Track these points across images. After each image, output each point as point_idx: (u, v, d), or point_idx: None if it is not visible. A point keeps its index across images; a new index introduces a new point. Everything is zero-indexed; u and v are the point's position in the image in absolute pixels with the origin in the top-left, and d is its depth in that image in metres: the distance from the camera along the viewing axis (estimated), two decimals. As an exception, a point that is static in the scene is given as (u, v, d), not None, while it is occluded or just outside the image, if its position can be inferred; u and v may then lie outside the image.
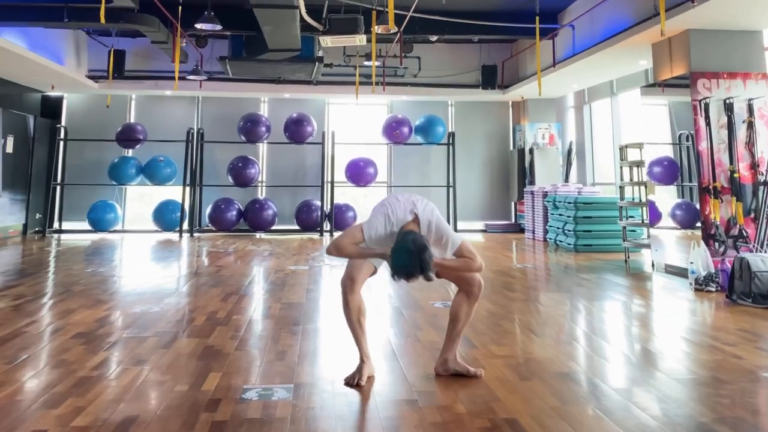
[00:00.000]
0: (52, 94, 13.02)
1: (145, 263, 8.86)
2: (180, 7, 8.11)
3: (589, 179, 12.70)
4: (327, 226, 12.83)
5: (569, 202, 9.84)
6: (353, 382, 3.32)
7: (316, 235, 12.57)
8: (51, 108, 13.25)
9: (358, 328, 3.43)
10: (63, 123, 13.22)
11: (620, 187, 8.78)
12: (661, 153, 8.45)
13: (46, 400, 3.04)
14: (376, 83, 12.33)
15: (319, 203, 12.88)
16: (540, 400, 3.08)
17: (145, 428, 2.72)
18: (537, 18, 8.75)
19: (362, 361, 3.43)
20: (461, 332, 3.55)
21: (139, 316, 4.99)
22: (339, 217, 12.79)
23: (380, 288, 6.31)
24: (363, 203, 13.56)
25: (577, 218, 9.63)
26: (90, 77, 12.05)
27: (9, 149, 11.64)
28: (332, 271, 7.59)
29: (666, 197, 8.48)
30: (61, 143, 12.95)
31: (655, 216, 7.99)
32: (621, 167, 8.81)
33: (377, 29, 7.99)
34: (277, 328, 4.61)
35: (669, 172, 8.63)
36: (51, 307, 5.34)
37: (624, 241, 8.58)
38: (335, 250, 3.33)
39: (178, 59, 8.87)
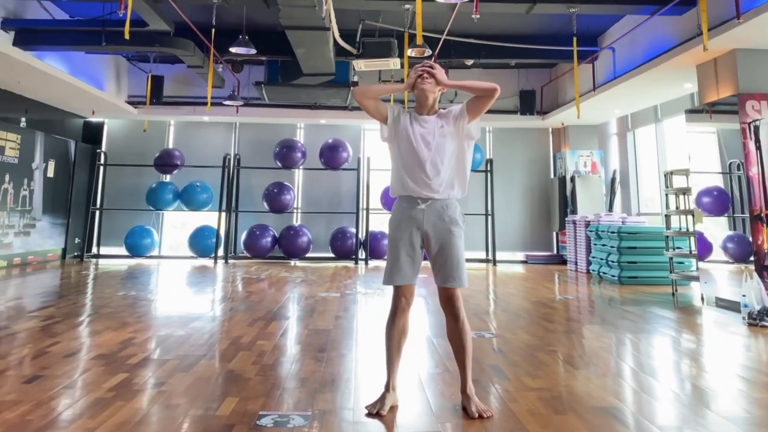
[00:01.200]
0: (93, 119, 13.28)
1: (176, 288, 8.80)
2: (213, 30, 8.17)
3: (634, 209, 12.27)
4: (362, 254, 12.66)
5: (612, 232, 9.47)
6: (374, 411, 3.12)
7: (350, 264, 12.40)
8: (92, 133, 13.51)
9: (395, 350, 3.28)
10: (103, 148, 13.45)
11: (666, 215, 8.39)
12: (710, 182, 8.08)
13: (56, 421, 2.90)
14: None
15: (354, 230, 12.75)
16: (578, 438, 2.80)
17: (150, 456, 2.54)
18: (575, 39, 8.53)
19: (387, 390, 3.23)
20: (465, 362, 3.26)
21: (163, 339, 4.87)
22: (374, 245, 12.61)
23: (412, 317, 6.07)
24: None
25: (621, 249, 9.25)
26: (130, 102, 12.26)
27: (50, 173, 11.85)
28: (365, 298, 7.39)
29: (716, 229, 8.07)
30: (101, 168, 13.15)
31: (704, 248, 7.58)
32: (666, 195, 8.44)
33: (410, 52, 7.89)
34: (301, 355, 4.42)
35: (719, 202, 8.23)
36: (77, 328, 5.26)
37: (671, 273, 8.15)
38: (361, 93, 3.33)
39: (211, 82, 8.91)
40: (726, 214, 7.99)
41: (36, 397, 3.25)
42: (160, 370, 3.87)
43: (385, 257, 3.36)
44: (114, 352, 4.36)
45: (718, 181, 8.08)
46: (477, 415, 3.07)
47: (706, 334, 5.58)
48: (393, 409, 3.19)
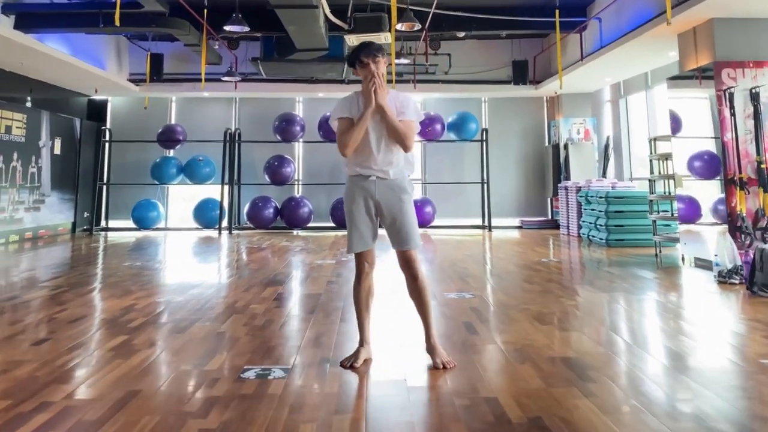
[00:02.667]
0: (97, 97, 13.57)
1: (179, 258, 9.18)
2: (205, 11, 8.39)
3: (626, 174, 12.50)
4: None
5: (601, 197, 9.74)
6: (348, 364, 3.44)
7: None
8: (96, 111, 13.82)
9: (364, 309, 3.56)
10: (108, 125, 13.77)
11: (650, 180, 8.64)
12: (702, 147, 8.29)
13: (60, 377, 3.26)
14: (409, 81, 12.44)
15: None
16: (524, 382, 3.13)
17: (144, 401, 2.90)
18: (557, 12, 8.69)
19: (361, 344, 3.55)
20: (426, 317, 3.55)
21: (162, 305, 5.23)
22: (373, 214, 12.91)
23: (394, 279, 6.42)
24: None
25: (608, 213, 9.53)
26: (131, 80, 12.52)
27: (57, 151, 12.19)
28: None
29: (710, 192, 8.30)
30: (106, 144, 13.49)
31: (694, 211, 7.85)
32: (651, 160, 8.67)
33: (400, 26, 8.08)
34: (290, 317, 4.77)
35: (710, 166, 8.45)
36: (83, 297, 5.63)
37: (654, 235, 8.44)
38: (345, 148, 3.41)
39: (204, 60, 9.17)
40: (717, 178, 8.21)
41: (44, 358, 3.61)
42: (157, 333, 4.24)
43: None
44: (116, 317, 4.73)
45: (710, 146, 8.29)
46: (441, 366, 3.38)
47: (675, 292, 5.87)
48: (367, 361, 3.51)
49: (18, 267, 7.89)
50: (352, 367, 3.41)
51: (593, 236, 10.01)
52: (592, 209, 10.10)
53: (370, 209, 3.49)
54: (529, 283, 6.25)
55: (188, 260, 8.95)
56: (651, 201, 8.55)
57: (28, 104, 11.49)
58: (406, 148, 3.46)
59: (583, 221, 10.57)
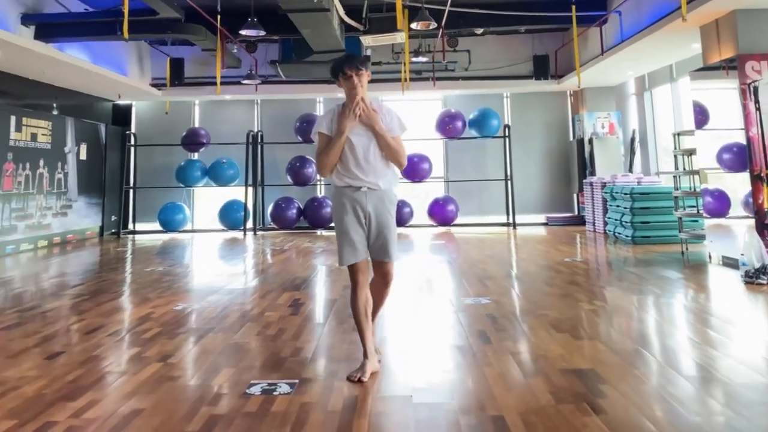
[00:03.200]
0: (122, 102, 13.75)
1: (201, 262, 9.25)
2: (219, 16, 8.41)
3: (653, 168, 12.24)
4: (384, 222, 12.91)
5: (626, 193, 9.53)
6: (355, 378, 3.39)
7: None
8: (121, 115, 14.01)
9: (364, 320, 3.51)
10: (132, 129, 13.94)
11: (674, 176, 8.43)
12: (733, 139, 8.05)
13: (68, 394, 3.27)
14: (428, 79, 12.34)
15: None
16: (533, 398, 3.05)
17: (146, 420, 2.89)
18: (573, 7, 8.50)
19: (366, 357, 3.50)
20: (376, 314, 3.75)
21: (178, 313, 5.25)
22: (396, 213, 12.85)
23: (412, 282, 6.36)
24: (418, 199, 13.62)
25: (634, 209, 9.33)
26: (153, 85, 12.65)
27: (83, 156, 12.38)
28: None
29: (740, 185, 8.06)
30: (131, 149, 13.66)
31: (723, 205, 7.62)
32: (675, 156, 8.46)
33: (416, 25, 8.00)
34: (303, 325, 4.74)
35: (739, 158, 8.22)
36: (102, 306, 5.67)
37: (680, 232, 8.24)
38: (321, 169, 3.53)
39: (220, 65, 9.20)
40: (747, 170, 7.97)
41: (53, 373, 3.63)
42: (169, 344, 4.24)
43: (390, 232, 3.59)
44: (131, 328, 4.76)
45: (741, 137, 8.05)
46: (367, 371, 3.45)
47: (700, 294, 5.72)
48: (374, 375, 3.46)
49: (43, 274, 8.02)
50: (359, 381, 3.37)
51: (619, 233, 9.81)
52: (618, 206, 9.90)
53: (361, 219, 3.49)
54: (550, 285, 6.14)
55: (210, 264, 9.00)
56: (676, 197, 8.35)
57: (55, 112, 11.67)
58: (400, 166, 3.56)
59: (609, 218, 10.37)
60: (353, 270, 3.53)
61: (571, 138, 13.63)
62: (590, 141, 12.68)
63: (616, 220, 9.95)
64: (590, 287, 6.05)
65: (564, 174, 13.59)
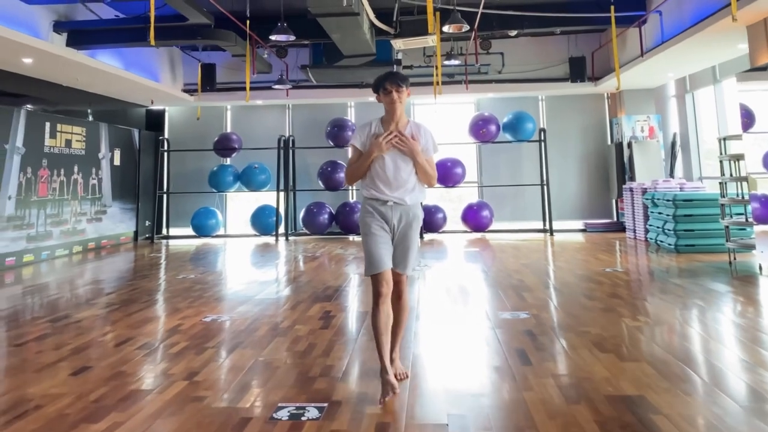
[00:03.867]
0: (154, 108, 13.83)
1: (233, 270, 9.18)
2: (248, 21, 8.32)
3: (695, 173, 11.82)
4: (416, 228, 12.71)
5: (668, 200, 9.17)
6: (384, 399, 3.27)
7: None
8: (154, 121, 14.09)
9: (384, 334, 3.42)
10: (165, 135, 14.01)
11: (720, 183, 8.06)
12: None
13: (91, 415, 3.16)
14: (460, 82, 12.13)
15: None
16: (577, 429, 2.83)
17: (169, 448, 2.76)
18: (612, 7, 8.20)
19: (385, 372, 3.35)
20: (398, 333, 3.64)
21: (207, 326, 5.15)
22: (428, 219, 12.66)
23: (446, 293, 6.17)
24: (452, 204, 13.40)
25: (677, 217, 8.97)
26: (186, 91, 12.68)
27: (117, 162, 12.46)
28: (412, 279, 7.48)
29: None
30: (165, 154, 13.73)
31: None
32: (721, 161, 8.09)
33: (448, 28, 7.81)
34: (334, 340, 4.58)
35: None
36: (131, 316, 5.61)
37: (727, 241, 7.87)
38: (348, 179, 3.70)
39: (249, 71, 9.12)
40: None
41: (78, 390, 3.54)
42: (196, 360, 4.12)
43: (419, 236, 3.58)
44: (160, 341, 4.67)
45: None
46: (396, 379, 3.47)
47: (751, 309, 5.40)
48: (396, 385, 3.35)
49: (77, 280, 8.03)
50: (394, 392, 3.30)
51: (661, 241, 9.45)
52: (659, 213, 9.54)
53: (387, 230, 3.54)
54: (590, 298, 5.88)
55: (241, 271, 8.93)
56: (723, 205, 7.99)
57: (90, 118, 11.78)
58: (431, 185, 3.66)
59: (650, 225, 10.00)
60: (378, 280, 3.46)
61: (609, 142, 13.24)
62: (629, 145, 12.30)
63: (657, 227, 9.60)
64: (633, 301, 5.77)
65: (602, 179, 13.22)
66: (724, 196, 7.98)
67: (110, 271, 9.01)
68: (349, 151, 3.64)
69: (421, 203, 3.71)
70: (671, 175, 12.11)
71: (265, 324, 5.16)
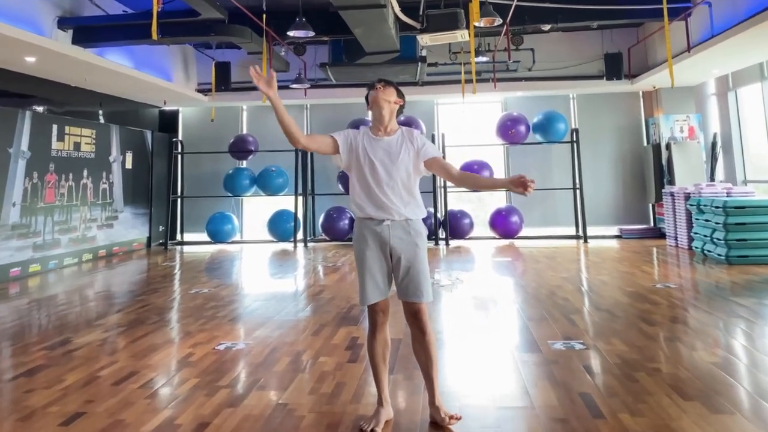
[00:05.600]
0: (168, 108, 13.31)
1: (250, 282, 8.61)
2: (264, 15, 7.74)
3: (739, 176, 11.07)
4: (442, 233, 12.11)
5: (717, 207, 8.46)
6: (368, 429, 3.09)
7: (430, 244, 11.89)
8: (168, 122, 13.59)
9: (381, 364, 3.24)
10: (179, 136, 13.50)
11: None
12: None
13: (77, 489, 2.59)
14: (488, 80, 11.49)
15: (432, 210, 12.19)
16: None
17: None
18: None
19: (380, 404, 3.22)
20: (432, 375, 3.23)
21: (221, 355, 4.57)
22: (454, 224, 12.05)
23: (482, 315, 5.54)
24: (479, 209, 12.76)
25: (727, 225, 8.26)
26: (200, 90, 12.16)
27: (128, 165, 11.96)
28: (445, 292, 6.88)
29: None
30: (179, 156, 13.21)
31: None
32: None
33: (479, 23, 7.17)
34: (365, 378, 3.98)
35: None
36: (137, 342, 5.04)
37: (791, 254, 7.17)
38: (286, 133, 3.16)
39: (266, 69, 8.52)
40: None
41: (66, 451, 2.98)
42: (207, 405, 3.54)
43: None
44: (166, 377, 4.09)
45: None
46: (447, 419, 3.15)
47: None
48: (388, 423, 3.18)
49: (83, 293, 7.51)
50: (377, 426, 3.09)
51: (709, 251, 8.75)
52: (707, 220, 8.83)
53: (386, 253, 3.18)
54: (649, 323, 5.22)
55: (258, 285, 8.34)
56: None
57: (101, 119, 11.27)
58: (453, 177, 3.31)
59: (696, 233, 9.29)
60: (373, 310, 3.23)
61: (645, 143, 12.52)
62: (668, 146, 11.57)
63: (705, 236, 8.88)
64: (701, 327, 5.10)
65: (638, 182, 12.49)
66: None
67: (120, 283, 8.49)
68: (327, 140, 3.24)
69: (421, 218, 3.31)
70: (711, 178, 11.37)
71: (285, 354, 4.57)
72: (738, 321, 5.21)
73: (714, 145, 11.55)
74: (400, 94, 3.35)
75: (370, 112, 3.40)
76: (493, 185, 3.61)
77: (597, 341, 4.68)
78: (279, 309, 6.28)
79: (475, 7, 6.02)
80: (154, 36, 5.56)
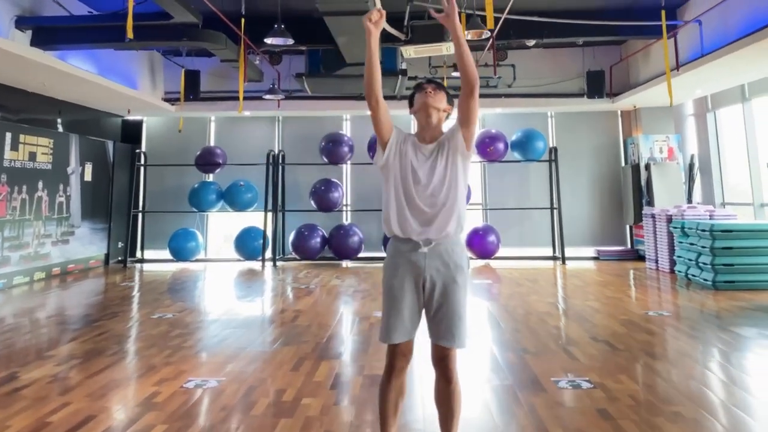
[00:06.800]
0: (132, 118, 12.68)
1: (215, 305, 8.04)
2: (243, 20, 7.28)
3: (717, 198, 10.97)
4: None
5: (703, 230, 8.26)
6: None
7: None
8: (131, 132, 12.95)
9: (392, 413, 2.83)
10: (143, 148, 12.86)
11: (775, 213, 7.17)
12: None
13: None
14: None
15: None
16: None
17: None
18: (663, 12, 7.33)
19: None
20: (452, 429, 2.81)
21: (190, 395, 4.06)
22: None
23: (475, 346, 5.13)
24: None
25: (714, 249, 8.06)
26: (167, 100, 11.59)
27: (88, 177, 11.28)
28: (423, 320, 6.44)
29: None
30: (141, 169, 12.57)
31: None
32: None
33: (467, 35, 6.86)
34: (356, 424, 3.52)
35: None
36: (93, 378, 4.49)
37: (784, 281, 6.97)
38: (365, 87, 2.85)
39: (242, 78, 8.06)
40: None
41: None
42: (178, 464, 3.04)
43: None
44: (128, 423, 3.57)
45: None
46: None
47: None
48: None
49: (33, 316, 6.87)
50: None
51: (693, 275, 8.54)
52: (691, 243, 8.63)
53: (419, 286, 2.77)
54: (654, 357, 4.89)
55: (226, 309, 7.75)
56: (777, 239, 7.09)
57: (59, 128, 10.61)
58: (474, 85, 2.77)
59: (679, 257, 9.08)
60: (394, 352, 2.80)
61: (624, 163, 12.37)
62: (647, 167, 11.42)
63: (689, 260, 8.67)
64: (707, 362, 4.79)
65: (615, 202, 12.32)
66: (778, 229, 7.08)
67: (74, 306, 7.85)
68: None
69: (465, 253, 2.89)
70: (689, 200, 11.26)
71: (262, 395, 4.08)
72: (746, 356, 4.92)
73: (691, 166, 11.46)
74: (450, 100, 2.96)
75: (413, 116, 3.00)
76: (459, 43, 2.77)
77: (604, 378, 4.32)
78: (252, 338, 5.77)
79: (462, 18, 5.64)
80: (130, 34, 5.05)
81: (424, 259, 2.75)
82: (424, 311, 2.84)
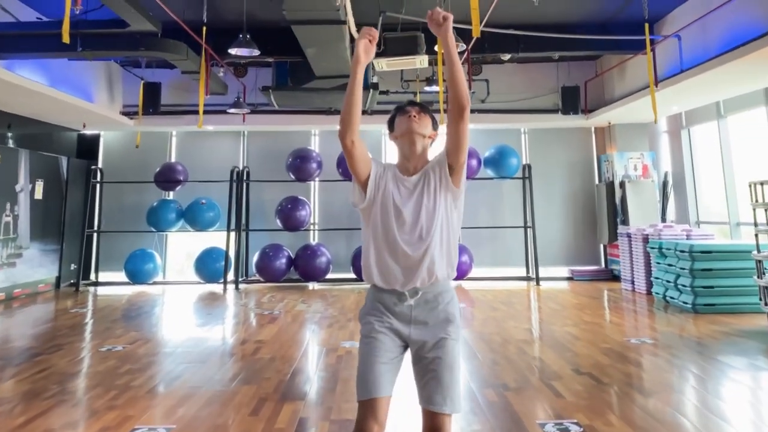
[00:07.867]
0: (88, 132, 12.08)
1: (170, 335, 7.50)
2: (204, 29, 6.84)
3: (692, 217, 10.82)
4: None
5: (682, 251, 8.03)
6: None
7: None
8: (87, 147, 12.33)
9: None
10: (99, 164, 12.25)
11: (756, 234, 6.97)
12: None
13: None
14: (437, 111, 10.87)
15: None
16: None
17: None
18: (646, 26, 7.11)
19: None
20: None
21: (132, 450, 3.56)
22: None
23: (465, 396, 4.73)
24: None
25: (694, 271, 7.83)
26: (125, 113, 11.04)
27: (38, 195, 10.63)
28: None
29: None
30: (97, 186, 11.96)
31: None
32: (754, 209, 7.01)
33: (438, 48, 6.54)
34: (323, 487, 3.08)
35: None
36: (26, 428, 3.96)
37: (765, 305, 6.74)
38: (341, 121, 2.40)
39: (204, 91, 7.58)
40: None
41: None
42: None
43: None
44: (57, 490, 3.07)
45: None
46: None
47: None
48: None
49: (-32, 353, 6.26)
50: None
51: (672, 297, 8.30)
52: (669, 264, 8.39)
53: (399, 340, 2.42)
54: (644, 394, 4.54)
55: (183, 339, 7.20)
56: (759, 261, 6.86)
57: (9, 142, 9.97)
58: (465, 107, 2.43)
59: (657, 278, 8.84)
60: (365, 410, 2.30)
61: (598, 181, 12.17)
62: (621, 184, 11.24)
63: (668, 281, 8.43)
64: (704, 396, 4.46)
65: (589, 221, 12.10)
66: (759, 251, 6.86)
67: (17, 337, 7.22)
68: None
69: (456, 301, 2.52)
70: (663, 218, 11.09)
71: (217, 447, 3.61)
72: (742, 390, 4.61)
73: (665, 184, 11.31)
74: (435, 125, 2.61)
75: (393, 142, 2.61)
76: (451, 60, 2.46)
77: (593, 419, 3.95)
78: (209, 375, 5.28)
79: (475, 22, 5.33)
80: (66, 39, 4.56)
81: (410, 311, 2.40)
82: (413, 372, 2.47)
